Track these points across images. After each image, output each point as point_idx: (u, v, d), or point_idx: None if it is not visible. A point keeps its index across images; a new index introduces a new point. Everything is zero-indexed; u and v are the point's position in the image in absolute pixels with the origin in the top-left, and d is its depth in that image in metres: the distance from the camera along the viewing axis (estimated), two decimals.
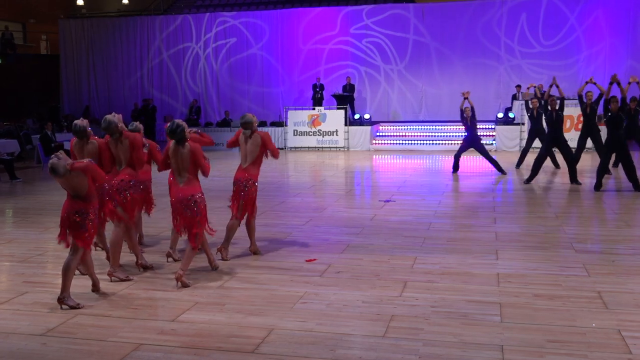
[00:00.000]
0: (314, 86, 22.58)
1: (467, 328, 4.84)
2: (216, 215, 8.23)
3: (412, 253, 7.10)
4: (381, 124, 22.27)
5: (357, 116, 21.35)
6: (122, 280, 6.27)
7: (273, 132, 20.99)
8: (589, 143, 13.42)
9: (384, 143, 20.86)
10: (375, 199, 11.11)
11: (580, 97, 12.85)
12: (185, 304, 5.52)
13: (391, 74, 23.83)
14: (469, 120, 13.33)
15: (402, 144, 20.67)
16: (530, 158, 13.33)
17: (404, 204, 10.37)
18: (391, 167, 16.96)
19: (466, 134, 13.77)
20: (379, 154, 19.45)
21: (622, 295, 5.54)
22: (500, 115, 20.45)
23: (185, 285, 5.98)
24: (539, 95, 13.88)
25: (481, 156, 13.76)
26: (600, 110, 12.75)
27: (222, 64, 25.35)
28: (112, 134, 6.43)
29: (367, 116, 21.55)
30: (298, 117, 20.84)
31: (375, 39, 23.81)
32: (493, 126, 20.04)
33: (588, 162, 14.08)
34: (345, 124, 20.38)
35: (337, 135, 20.57)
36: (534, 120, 13.92)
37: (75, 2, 27.77)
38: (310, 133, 20.73)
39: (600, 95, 12.35)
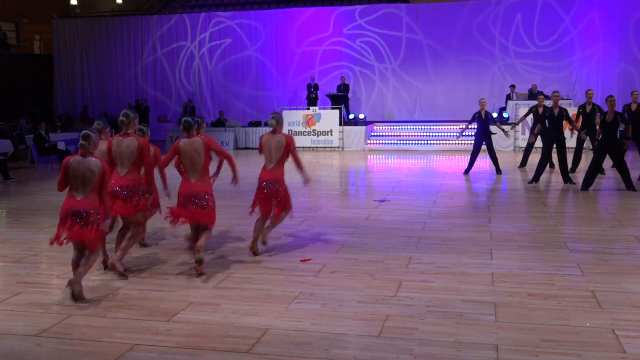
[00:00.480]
0: (309, 86, 22.58)
1: (462, 327, 4.85)
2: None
3: (407, 253, 7.10)
4: (376, 123, 22.29)
5: (351, 116, 21.36)
6: (120, 274, 6.26)
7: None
8: (586, 143, 13.50)
9: (379, 143, 20.88)
10: (369, 199, 11.11)
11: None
12: (179, 304, 5.51)
13: (385, 72, 23.89)
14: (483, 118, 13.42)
15: (397, 143, 20.69)
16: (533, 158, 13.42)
17: (398, 204, 10.38)
18: (386, 167, 16.97)
19: (476, 133, 13.74)
20: (374, 154, 19.46)
21: (616, 294, 5.56)
22: (495, 115, 20.48)
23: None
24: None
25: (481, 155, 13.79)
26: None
27: (217, 64, 25.34)
28: (124, 128, 6.35)
29: (361, 116, 21.56)
30: (292, 117, 20.82)
31: (368, 39, 23.86)
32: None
33: (584, 161, 14.09)
34: (340, 124, 20.38)
35: (331, 135, 20.57)
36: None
37: (69, 2, 27.70)
38: (305, 133, 20.73)
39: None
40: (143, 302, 5.60)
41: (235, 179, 6.79)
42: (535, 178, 12.21)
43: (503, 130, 14.21)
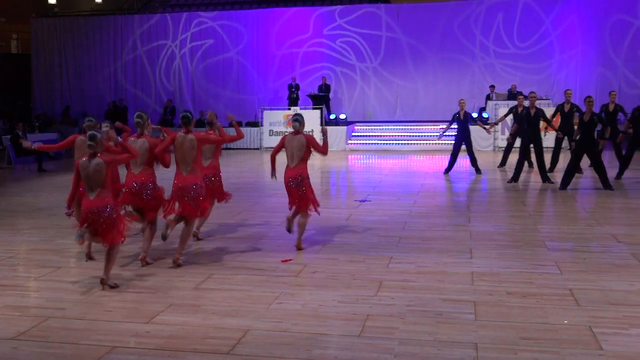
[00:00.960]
0: (290, 86, 22.55)
1: (442, 326, 4.88)
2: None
3: (388, 253, 7.13)
4: (357, 124, 22.34)
5: (332, 116, 21.38)
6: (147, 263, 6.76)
7: (248, 132, 20.95)
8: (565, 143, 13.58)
9: (360, 143, 20.92)
10: (350, 199, 11.13)
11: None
12: (159, 305, 5.48)
13: (367, 71, 23.98)
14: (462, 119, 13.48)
15: (378, 144, 20.75)
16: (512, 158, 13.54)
17: (379, 204, 10.41)
18: (367, 167, 17.01)
19: (457, 134, 13.75)
20: (355, 154, 19.50)
21: (593, 292, 5.63)
22: (475, 115, 20.60)
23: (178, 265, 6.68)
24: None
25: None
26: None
27: (198, 65, 25.23)
28: (139, 129, 6.83)
29: (342, 116, 21.59)
30: (274, 117, 20.79)
31: (349, 39, 23.92)
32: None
33: (562, 161, 14.23)
34: (321, 124, 20.38)
35: (313, 135, 20.54)
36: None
37: (47, 1, 27.37)
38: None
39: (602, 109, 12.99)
40: (122, 304, 5.56)
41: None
42: (515, 178, 12.29)
43: (485, 128, 14.35)
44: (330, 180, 14.51)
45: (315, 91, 22.00)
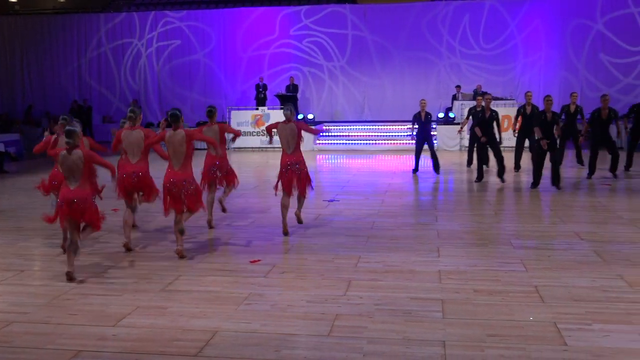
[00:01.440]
0: (257, 86, 22.48)
1: (410, 325, 4.91)
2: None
3: (356, 252, 7.15)
4: (325, 124, 22.35)
5: (300, 116, 21.33)
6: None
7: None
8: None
9: (328, 143, 20.95)
10: (319, 199, 11.14)
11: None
12: (126, 308, 5.40)
13: (334, 70, 24.07)
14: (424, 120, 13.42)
15: (346, 143, 20.81)
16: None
17: (347, 204, 10.44)
18: (335, 167, 17.05)
19: (417, 134, 13.58)
20: (323, 154, 19.52)
21: (557, 289, 5.73)
22: (441, 115, 20.85)
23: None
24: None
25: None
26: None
27: (164, 65, 24.98)
28: (131, 122, 7.45)
29: (310, 116, 21.58)
30: (241, 117, 20.70)
31: (315, 39, 23.97)
32: (434, 126, 20.38)
33: (524, 160, 14.43)
34: None
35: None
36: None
37: (8, 0, 26.78)
38: (254, 133, 20.63)
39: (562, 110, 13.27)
40: (88, 307, 5.47)
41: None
42: (479, 177, 12.42)
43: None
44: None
45: (283, 91, 21.95)
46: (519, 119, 13.57)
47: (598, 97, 14.17)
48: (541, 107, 11.93)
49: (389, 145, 20.30)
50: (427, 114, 13.48)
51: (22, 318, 5.22)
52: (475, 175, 12.76)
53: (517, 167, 13.77)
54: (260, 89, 22.33)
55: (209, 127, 8.41)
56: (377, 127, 21.42)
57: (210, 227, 8.55)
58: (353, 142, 20.84)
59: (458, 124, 19.60)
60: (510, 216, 9.48)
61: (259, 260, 6.86)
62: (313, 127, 8.32)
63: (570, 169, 14.06)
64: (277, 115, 20.44)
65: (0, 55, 25.83)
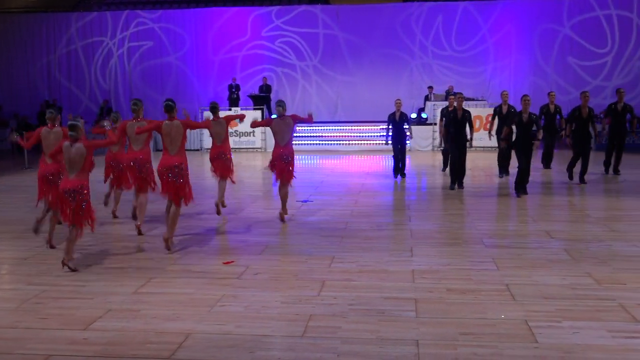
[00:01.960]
0: (230, 87, 22.38)
1: (384, 324, 4.93)
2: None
3: (330, 252, 7.16)
4: (297, 124, 22.31)
5: (273, 116, 21.29)
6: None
7: (188, 133, 20.59)
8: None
9: (301, 143, 20.94)
10: (293, 200, 11.12)
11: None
12: (97, 311, 5.33)
13: (307, 70, 24.10)
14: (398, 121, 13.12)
15: (319, 144, 20.83)
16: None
17: (321, 204, 10.45)
18: (308, 168, 17.04)
19: (392, 134, 13.23)
20: (296, 155, 19.42)
21: (528, 287, 5.81)
22: (414, 115, 21.00)
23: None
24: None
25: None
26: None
27: (136, 66, 24.73)
28: (135, 114, 8.30)
29: None
30: None
31: (287, 39, 23.98)
32: (407, 126, 20.48)
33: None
34: None
35: (253, 136, 20.48)
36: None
37: None
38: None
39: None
40: (58, 311, 5.38)
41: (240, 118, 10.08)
42: (453, 183, 11.73)
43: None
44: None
45: (256, 92, 21.89)
46: (495, 119, 13.20)
47: (569, 100, 14.40)
48: (519, 108, 11.35)
49: (362, 146, 20.39)
50: (402, 114, 13.20)
51: None
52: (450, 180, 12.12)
53: (503, 172, 13.24)
54: (233, 90, 22.23)
55: (216, 121, 9.47)
56: (350, 127, 21.49)
57: (223, 206, 9.59)
58: (326, 142, 20.88)
59: (431, 124, 19.80)
60: (482, 216, 9.57)
61: (232, 262, 6.83)
62: (307, 117, 9.18)
63: (542, 171, 14.24)
64: (250, 116, 20.32)
65: None
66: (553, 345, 4.49)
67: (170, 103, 7.46)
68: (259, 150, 20.26)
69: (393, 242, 7.64)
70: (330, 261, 6.79)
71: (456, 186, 11.68)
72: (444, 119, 12.50)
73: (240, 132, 20.42)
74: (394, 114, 13.22)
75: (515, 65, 23.21)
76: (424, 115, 20.72)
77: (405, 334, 4.73)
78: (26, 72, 25.29)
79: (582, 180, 12.14)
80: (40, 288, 6.01)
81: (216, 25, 24.20)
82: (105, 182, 9.53)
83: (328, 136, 21.20)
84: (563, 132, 13.19)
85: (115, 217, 9.33)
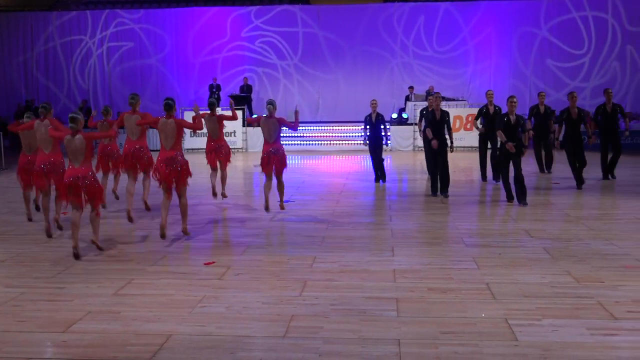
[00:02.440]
0: (211, 87, 22.28)
1: (366, 324, 4.94)
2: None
3: (312, 252, 7.16)
4: (282, 126, 22.27)
5: (255, 116, 21.26)
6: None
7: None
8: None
9: (283, 144, 20.85)
10: (274, 200, 11.10)
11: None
12: (76, 313, 5.27)
13: (288, 69, 24.07)
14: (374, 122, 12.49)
15: (300, 144, 20.82)
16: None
17: (302, 204, 10.45)
18: (289, 168, 16.94)
19: (369, 136, 12.56)
20: None
21: (508, 285, 5.86)
22: (395, 115, 21.07)
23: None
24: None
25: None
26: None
27: (115, 66, 24.51)
28: (132, 107, 9.51)
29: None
30: None
31: (267, 39, 23.94)
32: (388, 126, 20.55)
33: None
34: (243, 125, 20.24)
35: (234, 136, 20.40)
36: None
37: None
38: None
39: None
40: (37, 313, 5.31)
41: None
42: (435, 190, 11.16)
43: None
44: (254, 182, 14.43)
45: (237, 92, 21.81)
46: (479, 120, 12.60)
47: (548, 102, 14.30)
48: (504, 109, 10.75)
49: (343, 146, 20.41)
50: (378, 115, 12.54)
51: None
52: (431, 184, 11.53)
53: (485, 177, 12.81)
54: (214, 90, 22.14)
55: (209, 117, 10.47)
56: (331, 127, 21.50)
57: (221, 195, 10.43)
58: (307, 142, 20.87)
59: (412, 124, 19.87)
60: (463, 215, 9.62)
61: (213, 262, 6.80)
62: (294, 121, 9.45)
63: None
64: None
65: None
66: (533, 343, 4.54)
67: (169, 102, 7.85)
68: (240, 150, 20.19)
69: (374, 242, 7.66)
70: (312, 261, 6.79)
71: (440, 194, 11.00)
72: (423, 119, 12.09)
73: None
74: (370, 115, 12.57)
75: (495, 68, 23.38)
76: (404, 116, 20.80)
77: (386, 334, 4.75)
78: (2, 72, 24.93)
79: (579, 182, 11.80)
80: (18, 290, 5.93)
81: (196, 26, 24.07)
82: (97, 172, 9.37)
83: (309, 136, 21.20)
84: (552, 135, 13.15)
85: (116, 197, 10.57)
